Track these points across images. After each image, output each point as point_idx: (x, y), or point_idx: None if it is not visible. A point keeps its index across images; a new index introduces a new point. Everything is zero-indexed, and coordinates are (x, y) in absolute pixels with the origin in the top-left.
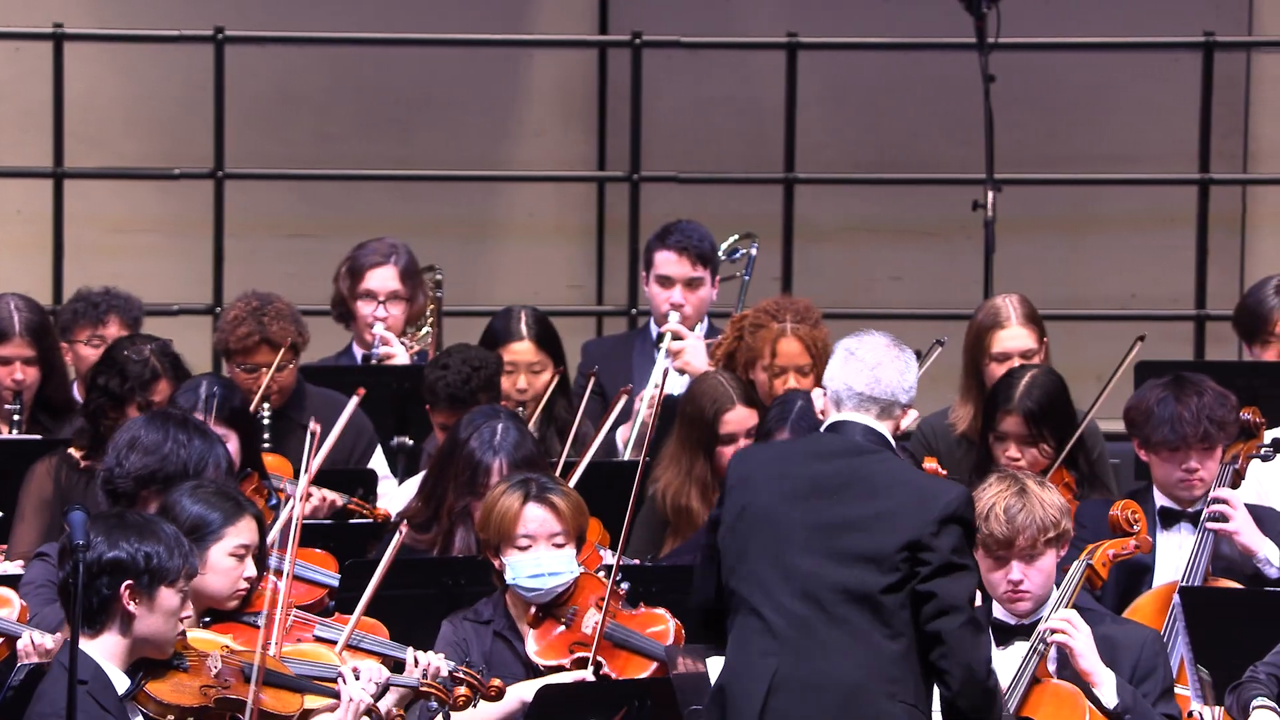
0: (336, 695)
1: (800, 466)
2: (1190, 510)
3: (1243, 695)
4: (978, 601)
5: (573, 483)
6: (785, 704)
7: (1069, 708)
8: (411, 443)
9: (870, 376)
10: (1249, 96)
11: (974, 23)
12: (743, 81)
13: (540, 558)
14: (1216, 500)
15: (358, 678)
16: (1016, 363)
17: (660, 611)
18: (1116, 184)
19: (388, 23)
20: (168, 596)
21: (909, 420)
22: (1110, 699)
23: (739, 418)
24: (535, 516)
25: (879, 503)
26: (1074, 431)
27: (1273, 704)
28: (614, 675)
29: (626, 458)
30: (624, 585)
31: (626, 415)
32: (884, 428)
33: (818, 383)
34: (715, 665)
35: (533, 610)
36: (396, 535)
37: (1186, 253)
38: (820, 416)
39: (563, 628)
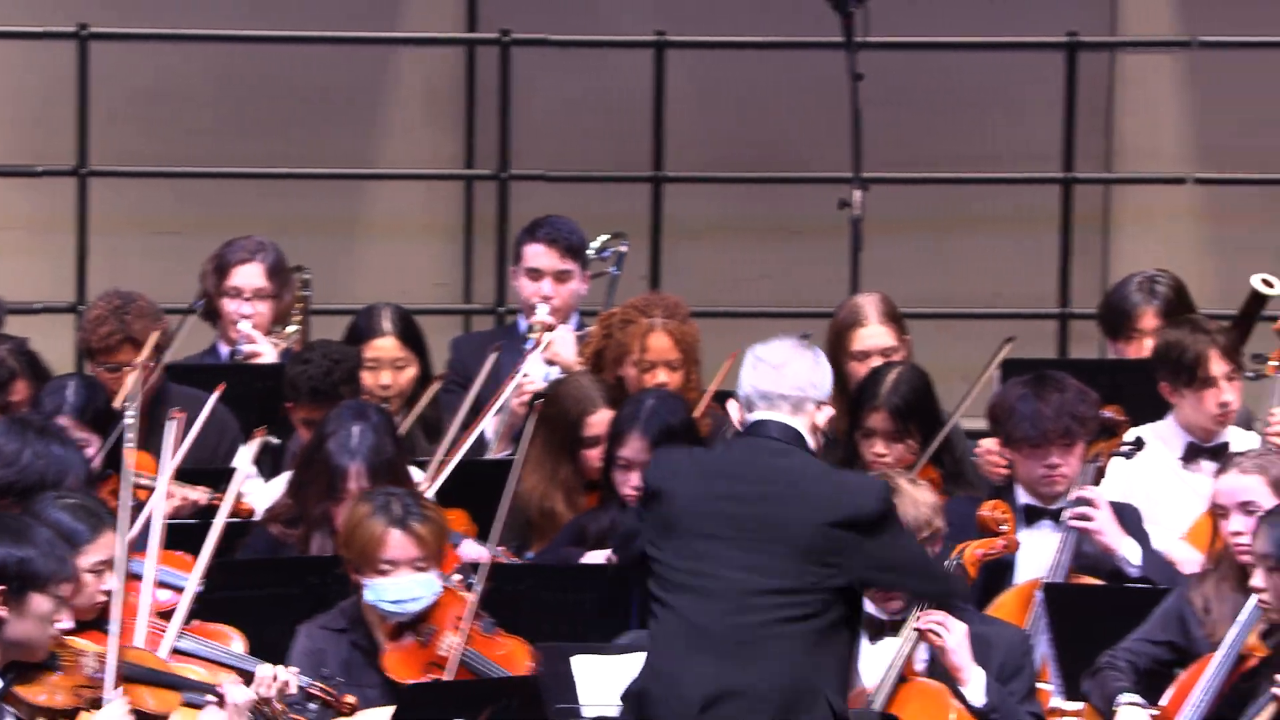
0: (214, 693)
1: (718, 469)
2: (1053, 507)
3: (1106, 687)
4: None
5: (439, 482)
6: (721, 708)
7: (935, 705)
8: (277, 441)
9: (777, 376)
10: (1112, 96)
11: (841, 21)
12: (611, 80)
13: (402, 583)
14: (1080, 499)
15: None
16: (877, 360)
17: (516, 639)
18: (982, 183)
19: (255, 20)
20: (39, 602)
21: (825, 416)
22: (978, 698)
23: (604, 420)
24: (398, 543)
25: (801, 500)
26: (939, 428)
27: (1139, 698)
28: None
29: (494, 450)
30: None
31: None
32: (799, 423)
33: (687, 379)
34: (579, 664)
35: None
36: (219, 519)
37: (1050, 251)
38: (737, 426)
39: (419, 645)
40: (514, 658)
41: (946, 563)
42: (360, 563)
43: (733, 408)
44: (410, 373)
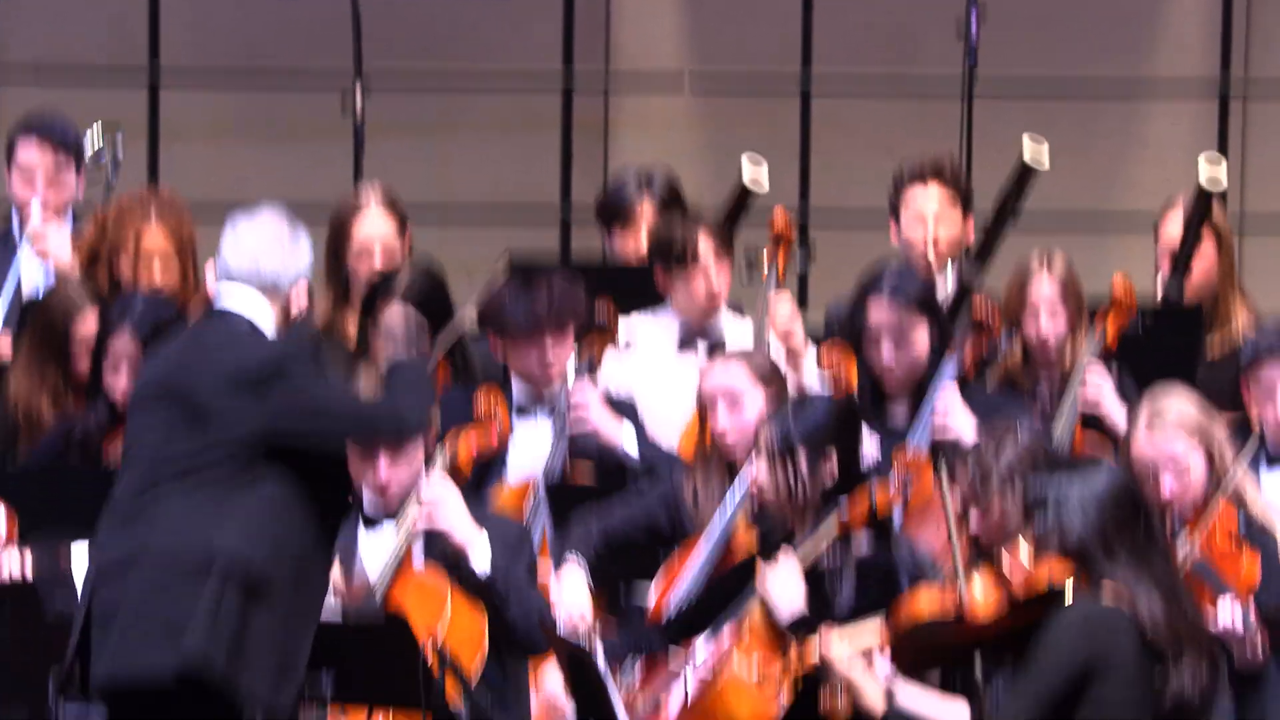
0: None
1: (165, 351)
2: (546, 400)
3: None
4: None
5: None
6: (115, 575)
7: (433, 595)
8: None
9: (250, 260)
10: (610, 2)
11: None
12: None
13: None
14: (576, 403)
15: None
16: (377, 248)
17: None
18: (483, 90)
19: None
20: None
21: (301, 294)
22: (483, 564)
23: (92, 325)
24: None
25: (202, 360)
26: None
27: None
28: None
29: None
30: None
31: None
32: (265, 305)
33: (184, 276)
34: (78, 551)
35: None
36: None
37: (552, 157)
38: (210, 289)
39: None
40: None
41: (440, 454)
42: None
43: (209, 271)
44: None
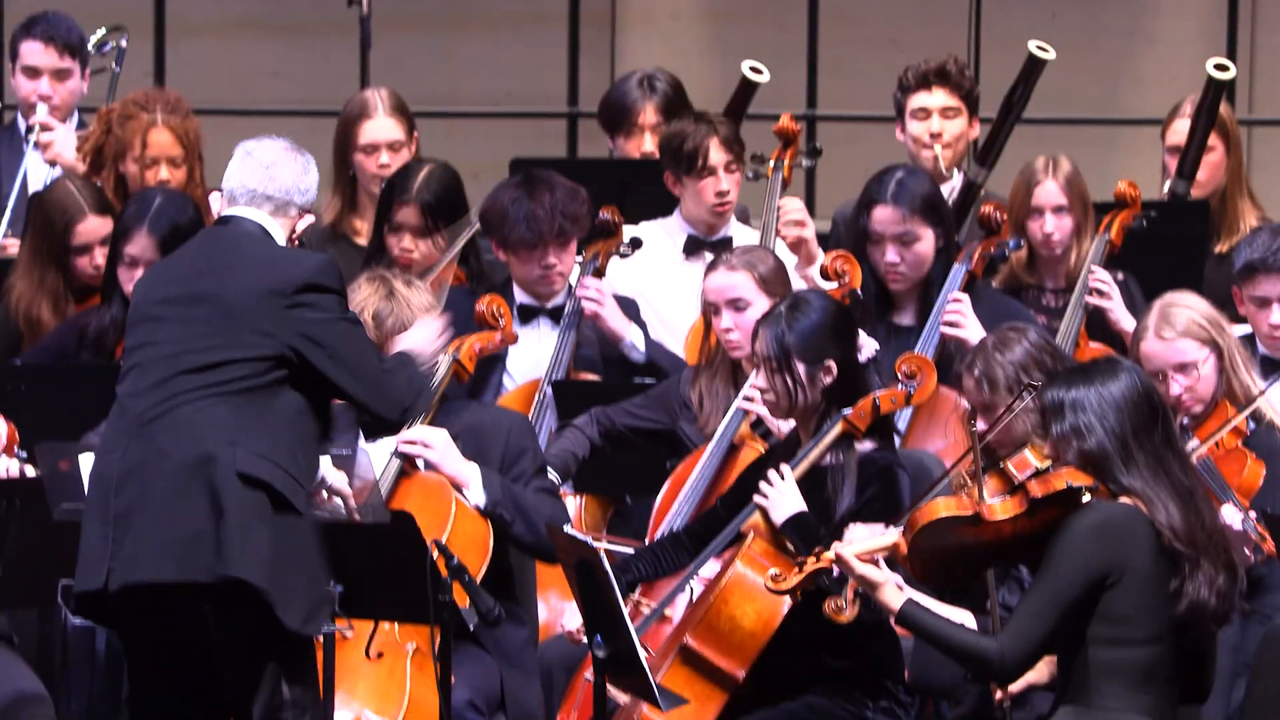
0: None
1: (175, 259)
2: (549, 306)
3: (559, 441)
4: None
5: None
6: (130, 484)
7: (437, 498)
8: None
9: (265, 175)
10: None
11: None
12: None
13: None
14: (586, 292)
15: None
16: (384, 155)
17: None
18: None
19: None
20: None
21: (305, 224)
22: (478, 497)
23: (92, 228)
24: None
25: (232, 268)
26: (467, 226)
27: (555, 476)
28: None
29: None
30: None
31: None
32: (276, 224)
33: (190, 175)
34: (87, 461)
35: None
36: None
37: (560, 50)
38: (215, 216)
39: None
40: None
41: (444, 357)
42: None
43: (215, 199)
44: None
